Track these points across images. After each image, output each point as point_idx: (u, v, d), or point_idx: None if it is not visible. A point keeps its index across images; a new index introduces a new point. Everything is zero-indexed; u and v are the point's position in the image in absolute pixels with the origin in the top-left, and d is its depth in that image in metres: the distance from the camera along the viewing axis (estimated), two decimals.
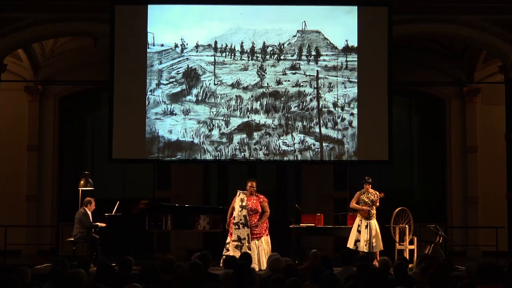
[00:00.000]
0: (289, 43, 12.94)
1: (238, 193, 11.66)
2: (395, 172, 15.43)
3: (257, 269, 10.72)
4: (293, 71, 12.90)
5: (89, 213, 12.31)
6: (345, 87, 12.87)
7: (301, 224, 12.41)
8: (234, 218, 11.49)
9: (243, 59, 12.89)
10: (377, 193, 11.90)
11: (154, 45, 12.88)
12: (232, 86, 12.88)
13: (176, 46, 12.90)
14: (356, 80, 12.87)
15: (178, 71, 12.90)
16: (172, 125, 12.81)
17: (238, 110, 12.85)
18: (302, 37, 12.95)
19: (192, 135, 12.80)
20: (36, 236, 15.20)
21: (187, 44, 12.91)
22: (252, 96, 12.88)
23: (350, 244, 11.74)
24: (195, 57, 12.91)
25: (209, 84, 12.89)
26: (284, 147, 12.81)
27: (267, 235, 11.64)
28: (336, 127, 12.84)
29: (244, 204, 11.50)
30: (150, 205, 12.27)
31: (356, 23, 12.89)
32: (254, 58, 12.89)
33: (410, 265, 10.67)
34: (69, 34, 14.43)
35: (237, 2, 13.02)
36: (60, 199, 15.54)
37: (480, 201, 15.37)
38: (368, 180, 11.98)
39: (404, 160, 15.83)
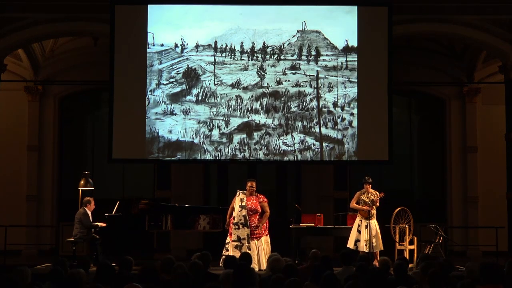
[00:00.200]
0: (289, 43, 12.93)
1: (238, 193, 11.66)
2: (395, 172, 15.43)
3: (256, 269, 10.73)
4: (293, 71, 12.90)
5: (89, 213, 12.31)
6: (345, 87, 12.87)
7: (301, 224, 12.41)
8: (233, 218, 11.49)
9: (243, 59, 12.89)
10: (377, 193, 11.90)
11: (154, 45, 12.88)
12: (232, 86, 12.88)
13: (176, 46, 12.90)
14: (356, 80, 12.87)
15: (178, 71, 12.90)
16: (172, 125, 12.81)
17: (238, 110, 12.85)
18: (302, 37, 12.95)
19: (192, 135, 12.80)
20: (36, 236, 15.20)
21: (187, 44, 12.91)
22: (252, 96, 12.88)
23: (350, 244, 11.74)
24: (195, 57, 12.91)
25: (209, 84, 12.89)
26: (284, 147, 12.81)
27: (266, 235, 11.64)
28: (336, 127, 12.84)
29: (243, 204, 11.50)
30: (150, 205, 12.27)
31: (356, 23, 12.89)
32: (254, 58, 12.89)
33: (410, 265, 10.67)
34: (69, 34, 14.43)
35: (237, 2, 13.02)
36: (60, 199, 15.55)
37: (480, 201, 15.37)
38: (368, 180, 11.99)
39: (404, 160, 15.82)
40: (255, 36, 12.90)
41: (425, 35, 14.38)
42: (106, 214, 12.31)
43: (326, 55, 12.91)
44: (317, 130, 12.82)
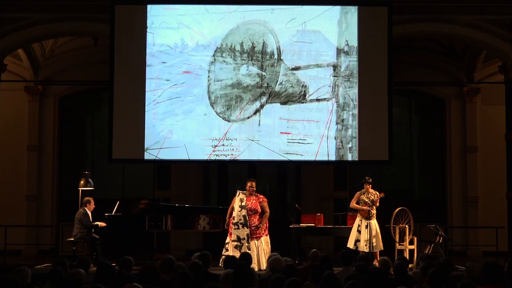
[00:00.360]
0: (289, 43, 12.91)
1: (238, 193, 11.67)
2: (395, 172, 15.43)
3: (256, 269, 10.73)
4: (293, 72, 12.89)
5: (89, 213, 12.31)
6: (345, 87, 12.87)
7: (301, 224, 12.41)
8: (233, 218, 11.50)
9: (243, 59, 12.88)
10: (377, 193, 11.91)
11: (154, 45, 12.87)
12: (232, 86, 12.88)
13: (176, 46, 12.89)
14: (356, 80, 12.87)
15: (178, 71, 12.89)
16: (172, 125, 12.80)
17: (238, 110, 12.84)
18: (302, 37, 12.93)
19: (192, 135, 12.79)
20: (36, 236, 15.21)
21: (187, 44, 12.90)
22: (252, 96, 12.87)
23: (350, 244, 11.75)
24: (195, 57, 12.90)
25: (209, 84, 12.88)
26: (284, 147, 12.80)
27: (266, 235, 11.64)
28: (336, 127, 12.83)
29: (243, 204, 11.50)
30: (150, 205, 12.26)
31: (356, 23, 12.89)
32: (254, 58, 12.88)
33: (410, 265, 10.68)
34: (69, 34, 14.43)
35: (237, 2, 13.00)
36: (60, 199, 15.55)
37: (480, 201, 15.38)
38: (368, 180, 11.99)
39: (404, 160, 15.83)
40: (255, 36, 12.89)
41: (425, 35, 14.38)
42: (106, 214, 12.30)
43: (326, 55, 12.90)
44: (317, 130, 12.80)
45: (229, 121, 12.82)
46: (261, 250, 11.39)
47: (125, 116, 12.79)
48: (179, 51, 12.88)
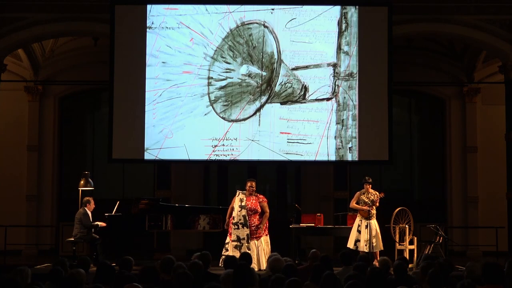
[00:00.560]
0: (289, 43, 12.90)
1: (238, 193, 11.67)
2: (395, 172, 15.43)
3: (256, 269, 10.72)
4: (293, 72, 12.88)
5: (89, 213, 12.31)
6: (345, 87, 12.86)
7: (301, 224, 12.40)
8: (233, 218, 11.49)
9: (243, 59, 12.88)
10: (377, 193, 11.90)
11: (154, 45, 12.87)
12: (232, 86, 12.88)
13: (176, 46, 12.88)
14: (356, 80, 12.86)
15: (178, 71, 12.88)
16: (172, 125, 12.80)
17: (239, 110, 12.84)
18: (302, 37, 12.92)
19: (192, 135, 12.79)
20: (36, 236, 15.20)
21: (187, 44, 12.89)
22: (252, 96, 12.87)
23: (350, 244, 11.74)
24: (195, 57, 12.89)
25: (209, 84, 12.88)
26: (284, 147, 12.80)
27: (266, 235, 11.64)
28: (336, 127, 12.83)
29: (243, 204, 11.50)
30: (150, 205, 12.26)
31: (356, 23, 12.88)
32: (254, 58, 12.88)
33: (410, 265, 10.68)
34: (69, 34, 14.43)
35: (237, 2, 13.00)
36: (60, 199, 15.55)
37: (480, 201, 15.38)
38: (368, 180, 11.99)
39: (404, 160, 15.83)
40: (255, 36, 12.89)
41: (425, 35, 14.37)
42: (106, 214, 12.30)
43: (326, 55, 12.90)
44: (317, 130, 12.80)
45: (229, 121, 12.82)
46: (261, 250, 11.39)
47: (125, 116, 12.79)
48: (179, 51, 12.89)
